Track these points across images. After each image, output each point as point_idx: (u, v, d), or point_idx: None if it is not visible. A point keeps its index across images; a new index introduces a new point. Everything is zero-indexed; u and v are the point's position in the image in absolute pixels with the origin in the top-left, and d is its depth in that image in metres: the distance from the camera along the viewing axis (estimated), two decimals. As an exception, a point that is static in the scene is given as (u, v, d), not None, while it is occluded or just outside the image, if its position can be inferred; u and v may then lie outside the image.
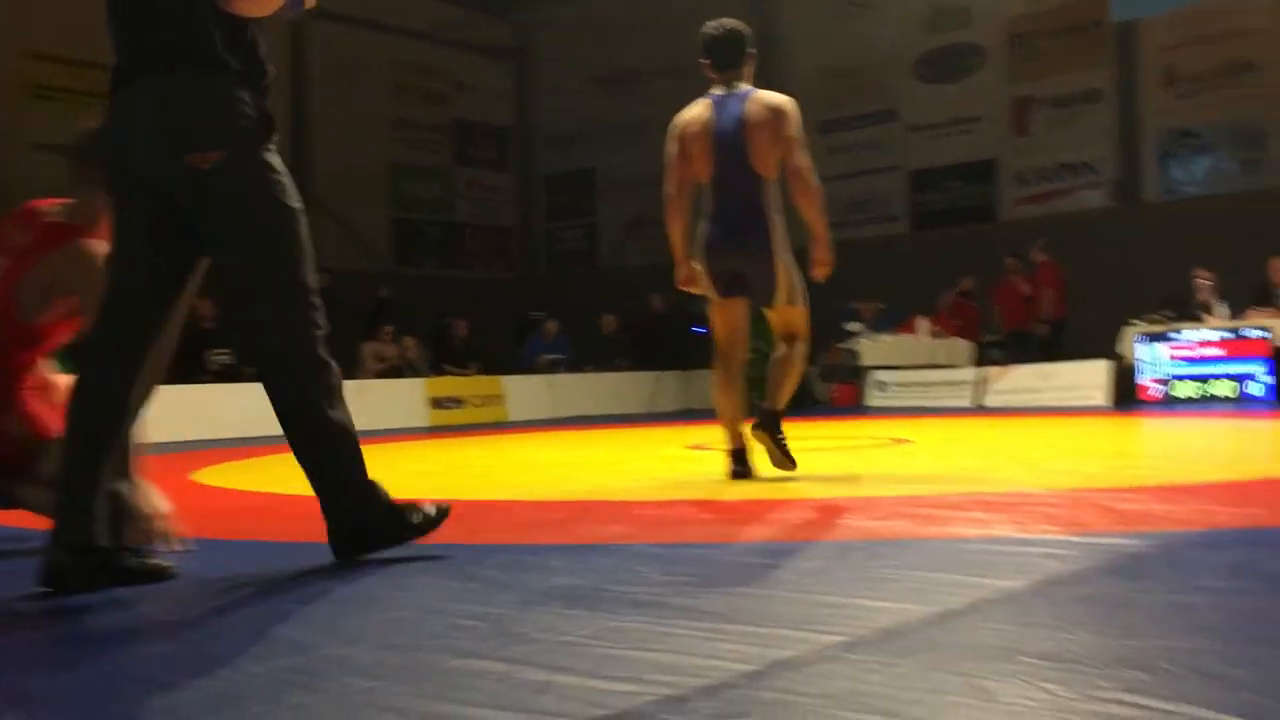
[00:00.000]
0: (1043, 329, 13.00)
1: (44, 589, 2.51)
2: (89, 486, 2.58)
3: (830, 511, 3.71)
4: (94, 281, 2.95)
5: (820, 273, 4.59)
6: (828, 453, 6.03)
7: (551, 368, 14.57)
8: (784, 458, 4.54)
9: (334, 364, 2.79)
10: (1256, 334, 10.66)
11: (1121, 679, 1.55)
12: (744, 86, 4.67)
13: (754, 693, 1.55)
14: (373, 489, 2.81)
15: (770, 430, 4.55)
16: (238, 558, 3.09)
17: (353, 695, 1.64)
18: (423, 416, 12.29)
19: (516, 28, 19.45)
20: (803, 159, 4.51)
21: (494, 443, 8.71)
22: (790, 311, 4.65)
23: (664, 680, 1.61)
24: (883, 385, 13.00)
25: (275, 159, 2.72)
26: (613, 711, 1.49)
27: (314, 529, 2.87)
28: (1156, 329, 11.27)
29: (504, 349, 15.17)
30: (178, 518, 3.07)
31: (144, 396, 2.75)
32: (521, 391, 13.61)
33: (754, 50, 4.80)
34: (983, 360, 13.00)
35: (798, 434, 5.29)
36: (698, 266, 4.65)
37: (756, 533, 3.30)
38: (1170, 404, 10.82)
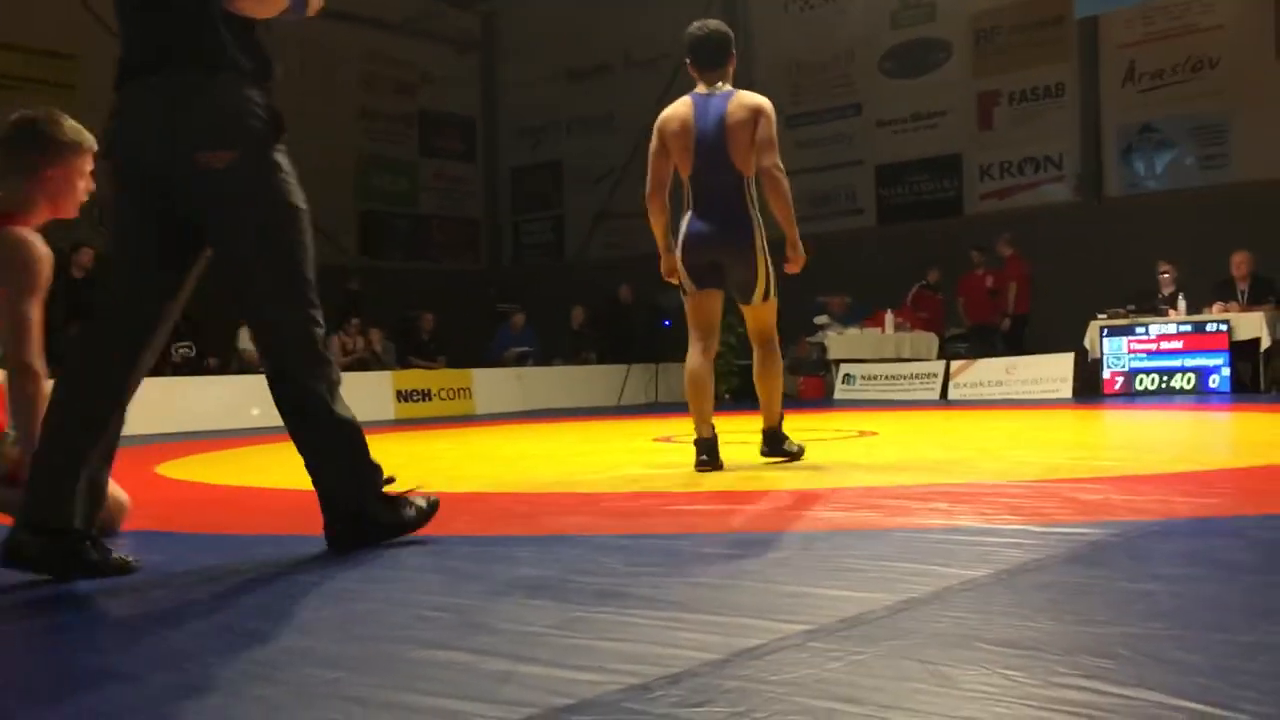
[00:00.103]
0: (1005, 323, 13.11)
1: (6, 566, 2.50)
2: (71, 471, 2.58)
3: (795, 502, 3.73)
4: (22, 271, 2.94)
5: (793, 268, 4.75)
6: (794, 445, 6.05)
7: (519, 360, 14.54)
8: (799, 453, 4.98)
9: (334, 361, 2.84)
10: (1216, 328, 10.80)
11: (1080, 665, 1.57)
12: (726, 87, 4.80)
13: (717, 681, 1.56)
14: (371, 484, 2.84)
15: (778, 449, 4.91)
16: (201, 550, 3.08)
17: (316, 686, 1.64)
18: (389, 410, 12.25)
19: (483, 19, 19.38)
20: (774, 160, 4.66)
21: (461, 435, 8.69)
22: (765, 309, 4.84)
23: (627, 669, 1.62)
24: (849, 378, 13.07)
25: (283, 159, 2.75)
26: (576, 700, 1.49)
27: (278, 522, 2.87)
28: (1121, 322, 11.40)
29: (472, 341, 15.12)
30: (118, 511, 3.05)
31: (133, 389, 2.74)
32: (489, 384, 13.58)
33: (736, 51, 4.95)
34: (947, 354, 13.10)
35: (757, 426, 5.30)
36: (678, 259, 4.78)
37: (721, 523, 3.31)
38: (1132, 396, 10.94)
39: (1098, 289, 12.13)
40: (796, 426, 5.34)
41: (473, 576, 2.45)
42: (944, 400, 11.98)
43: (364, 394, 12.02)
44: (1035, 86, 14.54)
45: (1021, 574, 2.25)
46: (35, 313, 2.99)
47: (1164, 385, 10.97)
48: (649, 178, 4.83)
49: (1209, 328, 10.85)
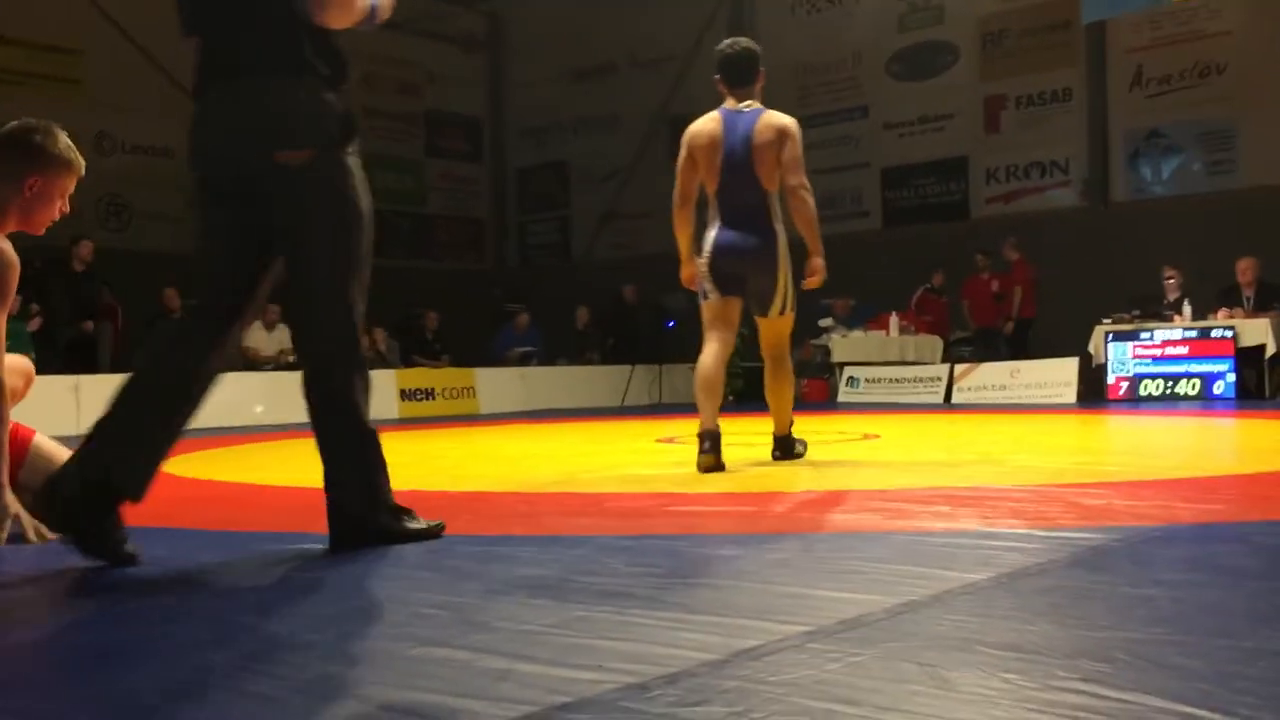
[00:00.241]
0: (1008, 327, 13.10)
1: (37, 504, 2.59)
2: (133, 441, 2.67)
3: (796, 504, 3.73)
4: None
5: (814, 282, 4.91)
6: (797, 447, 6.04)
7: (523, 360, 14.54)
8: (804, 451, 5.19)
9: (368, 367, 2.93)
10: (1221, 334, 10.78)
11: (1079, 669, 1.56)
12: (754, 105, 4.95)
13: (715, 681, 1.56)
14: (382, 494, 2.87)
15: (789, 453, 5.09)
16: (203, 546, 3.08)
17: (314, 682, 1.63)
18: (393, 408, 12.25)
19: (489, 19, 19.39)
20: (801, 179, 4.85)
21: (464, 435, 8.69)
22: (781, 322, 5.02)
23: (626, 669, 1.62)
24: (853, 381, 13.05)
25: (355, 162, 2.83)
26: (574, 699, 1.49)
27: (280, 519, 2.87)
28: (1126, 328, 11.38)
29: (477, 341, 15.12)
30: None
31: (201, 386, 2.83)
32: (493, 384, 13.58)
33: (764, 69, 5.09)
34: (951, 357, 13.09)
35: (768, 428, 5.31)
36: (703, 265, 4.94)
37: (722, 525, 3.31)
38: (1136, 402, 10.92)
39: (1103, 294, 12.11)
40: (799, 428, 5.36)
41: (473, 575, 2.45)
42: (948, 404, 11.96)
43: (368, 392, 12.02)
44: (1042, 91, 14.52)
45: (1023, 578, 2.25)
46: (1, 321, 3.00)
47: (1169, 391, 10.95)
48: (676, 189, 4.97)
49: (1214, 334, 10.83)
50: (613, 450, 6.56)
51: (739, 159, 4.84)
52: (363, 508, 2.85)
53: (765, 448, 5.29)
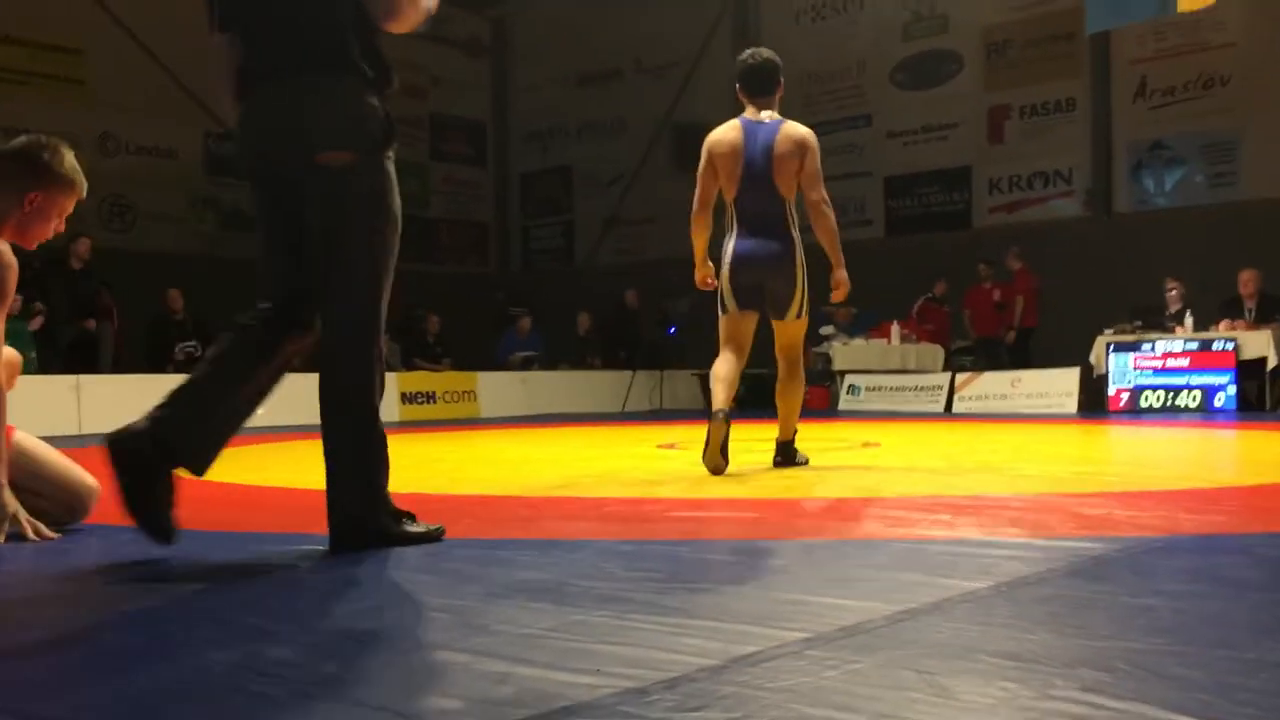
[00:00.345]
0: (1010, 336, 13.09)
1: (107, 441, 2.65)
2: (204, 415, 2.77)
3: (797, 512, 3.73)
4: None
5: (839, 295, 5.11)
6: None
7: (525, 364, 14.54)
8: (805, 463, 5.23)
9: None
10: (1223, 346, 10.77)
11: (1078, 678, 1.56)
12: (774, 115, 5.05)
13: (714, 686, 1.55)
14: (383, 497, 2.89)
15: (790, 459, 5.17)
16: (203, 547, 3.07)
17: (314, 684, 1.63)
18: (393, 411, 12.24)
19: (493, 23, 19.41)
20: (822, 193, 4.96)
21: (465, 438, 8.69)
22: (796, 326, 5.13)
23: (625, 673, 1.61)
24: (854, 389, 13.05)
25: (392, 167, 2.88)
26: (572, 703, 1.49)
27: (280, 520, 2.86)
28: (1127, 339, 11.37)
29: (479, 345, 15.12)
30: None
31: (267, 377, 2.90)
32: (494, 388, 13.58)
33: (783, 79, 5.20)
34: (952, 366, 13.08)
35: (768, 435, 5.31)
36: (723, 277, 5.04)
37: (722, 531, 3.31)
38: (1137, 413, 10.91)
39: (1105, 304, 12.10)
40: (800, 436, 5.36)
41: (472, 578, 2.45)
42: (948, 413, 11.96)
43: (369, 395, 12.02)
44: (1046, 101, 14.54)
45: (1022, 587, 2.24)
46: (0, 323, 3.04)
47: (1169, 403, 10.94)
48: (696, 195, 5.07)
49: (1216, 345, 10.82)
50: (613, 455, 6.56)
51: (759, 168, 4.94)
52: (363, 509, 2.85)
53: (767, 454, 5.29)
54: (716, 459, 4.70)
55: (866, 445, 6.86)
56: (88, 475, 3.36)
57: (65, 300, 11.09)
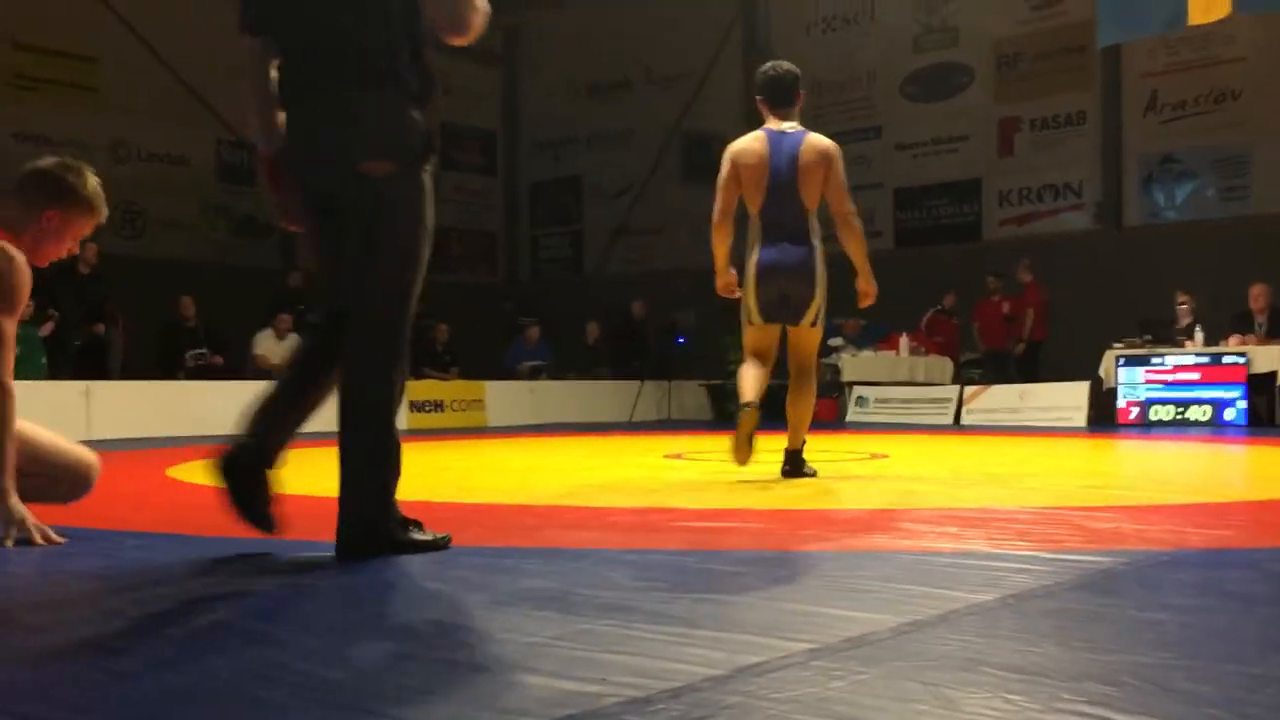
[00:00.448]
0: (1019, 348, 13.06)
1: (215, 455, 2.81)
2: (284, 422, 2.90)
3: (803, 522, 3.72)
4: (9, 291, 3.06)
5: (866, 302, 5.18)
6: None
7: (533, 374, 14.55)
8: (813, 475, 5.22)
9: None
10: (1233, 360, 10.74)
11: (1085, 691, 1.55)
12: (796, 126, 5.13)
13: (718, 696, 1.55)
14: (392, 504, 2.90)
15: (798, 470, 5.17)
16: (209, 553, 3.07)
17: (318, 690, 1.63)
18: (401, 419, 12.19)
19: (505, 33, 19.45)
20: (850, 206, 5.07)
21: (472, 447, 8.69)
22: (811, 333, 5.16)
23: (629, 682, 1.61)
24: (863, 400, 13.03)
25: (428, 180, 2.94)
26: (577, 711, 1.48)
27: (291, 527, 2.86)
28: (1137, 352, 11.34)
29: (487, 354, 15.13)
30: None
31: (325, 381, 2.98)
32: (502, 397, 13.58)
33: (804, 90, 5.29)
34: (961, 379, 13.06)
35: (778, 446, 5.30)
36: (748, 290, 5.09)
37: (728, 541, 3.30)
38: (1147, 427, 10.88)
39: (1114, 318, 12.07)
40: (808, 447, 5.35)
41: (478, 587, 2.44)
42: (957, 425, 11.93)
43: (377, 403, 12.02)
44: (1056, 114, 14.52)
45: (1029, 599, 2.24)
46: (11, 329, 3.09)
47: (1179, 417, 10.90)
48: (718, 204, 5.12)
49: (1226, 360, 10.79)
50: (620, 465, 6.56)
51: (784, 179, 5.00)
52: (373, 515, 2.85)
53: (775, 464, 5.28)
54: (744, 448, 4.73)
55: (874, 457, 6.85)
56: (86, 450, 3.47)
57: (73, 305, 11.13)
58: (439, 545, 2.93)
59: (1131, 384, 11.21)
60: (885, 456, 6.86)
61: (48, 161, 3.22)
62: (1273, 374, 10.59)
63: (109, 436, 9.02)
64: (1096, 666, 1.70)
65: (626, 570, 2.64)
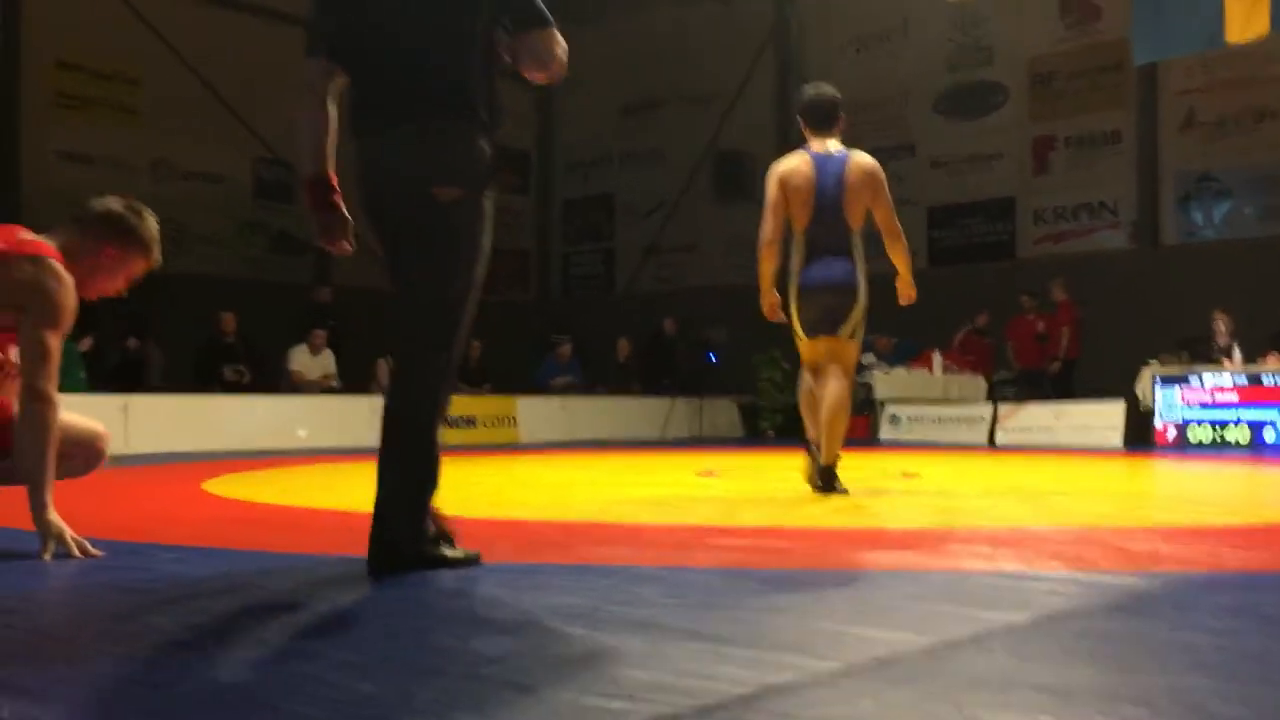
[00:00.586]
0: (1055, 367, 12.95)
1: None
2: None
3: (834, 541, 3.71)
4: (56, 309, 3.13)
5: (906, 301, 5.40)
6: (836, 484, 6.00)
7: (565, 390, 14.58)
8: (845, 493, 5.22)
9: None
10: (1273, 380, 10.60)
11: (1117, 713, 1.54)
12: (839, 147, 5.27)
13: (746, 714, 1.55)
14: (424, 522, 2.92)
15: (830, 485, 5.15)
16: (244, 566, 3.10)
17: (349, 703, 1.64)
18: (435, 435, 12.29)
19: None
20: (897, 224, 5.33)
21: (504, 462, 8.71)
22: (850, 346, 5.28)
23: (657, 699, 1.61)
24: (896, 419, 12.96)
25: (490, 206, 3.00)
26: (604, 728, 1.49)
27: (317, 541, 2.89)
28: (1174, 371, 11.22)
29: (520, 370, 15.18)
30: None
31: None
32: (534, 413, 13.62)
33: (844, 114, 5.45)
34: (995, 397, 12.97)
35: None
36: (793, 312, 5.23)
37: (759, 559, 3.29)
38: (1184, 448, 10.75)
39: (1150, 336, 11.96)
40: (839, 465, 5.32)
41: (507, 603, 2.45)
42: (991, 444, 11.85)
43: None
44: (1092, 132, 14.44)
45: (1062, 621, 2.22)
46: (56, 344, 3.17)
47: (1218, 438, 10.77)
48: (766, 227, 5.24)
49: (1265, 380, 10.66)
50: (652, 482, 6.55)
51: (830, 199, 5.15)
52: (406, 532, 2.87)
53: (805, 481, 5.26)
54: (816, 482, 5.10)
55: (906, 475, 6.81)
56: (94, 422, 3.56)
57: (111, 321, 11.27)
58: (469, 561, 2.94)
59: (1169, 404, 11.09)
60: (917, 475, 6.82)
61: (114, 203, 3.35)
62: (1312, 394, 10.45)
63: (146, 451, 9.12)
64: (1130, 687, 1.69)
65: (657, 587, 2.64)
